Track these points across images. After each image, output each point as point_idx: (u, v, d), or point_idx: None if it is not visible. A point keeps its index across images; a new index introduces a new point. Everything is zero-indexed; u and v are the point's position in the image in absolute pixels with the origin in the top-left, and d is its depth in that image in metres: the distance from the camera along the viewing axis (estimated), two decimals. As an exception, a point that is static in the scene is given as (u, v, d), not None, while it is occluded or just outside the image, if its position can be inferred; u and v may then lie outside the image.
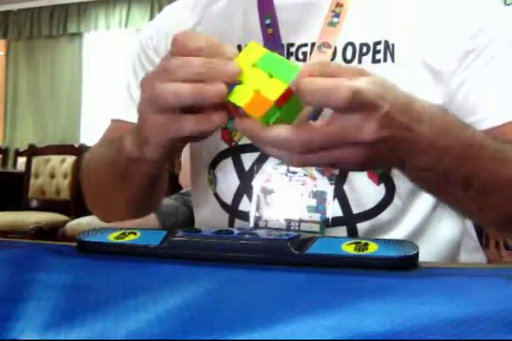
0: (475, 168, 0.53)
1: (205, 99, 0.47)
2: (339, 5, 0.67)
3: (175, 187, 2.00)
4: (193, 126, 0.49)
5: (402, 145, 0.47)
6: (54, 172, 3.66)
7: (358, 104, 0.43)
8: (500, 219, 0.60)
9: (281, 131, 0.45)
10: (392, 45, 0.65)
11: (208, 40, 0.49)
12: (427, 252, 0.65)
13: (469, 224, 0.76)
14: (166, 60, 0.50)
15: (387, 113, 0.44)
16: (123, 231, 0.52)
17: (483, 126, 0.63)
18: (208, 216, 0.74)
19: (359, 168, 0.49)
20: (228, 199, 0.70)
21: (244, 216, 0.67)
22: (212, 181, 0.72)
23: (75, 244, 0.53)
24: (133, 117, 0.75)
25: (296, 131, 0.44)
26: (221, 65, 0.47)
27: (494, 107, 0.64)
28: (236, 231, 0.50)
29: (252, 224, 0.66)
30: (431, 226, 0.69)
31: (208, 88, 0.47)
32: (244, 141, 0.69)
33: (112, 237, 0.51)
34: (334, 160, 0.46)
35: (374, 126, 0.44)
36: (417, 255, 0.44)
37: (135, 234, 0.52)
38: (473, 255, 0.72)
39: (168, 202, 1.86)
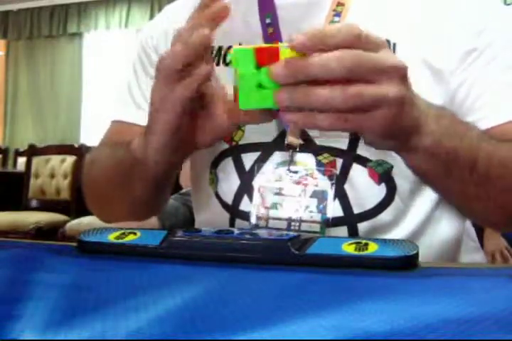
0: (473, 148, 0.54)
1: (191, 45, 0.50)
2: (340, 4, 0.67)
3: (175, 187, 2.00)
4: (185, 85, 0.52)
5: (414, 109, 0.49)
6: (54, 172, 3.66)
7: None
8: (500, 213, 0.60)
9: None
10: (394, 45, 0.65)
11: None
12: (427, 253, 0.65)
13: (469, 225, 0.76)
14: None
15: (406, 74, 0.47)
16: (123, 231, 0.53)
17: (482, 126, 0.63)
18: (209, 216, 0.74)
19: (383, 132, 0.48)
20: (229, 199, 0.70)
21: (245, 216, 0.67)
22: (214, 181, 0.72)
23: (75, 244, 0.53)
24: (134, 118, 0.75)
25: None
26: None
27: (494, 107, 0.64)
28: (236, 231, 0.50)
29: (252, 224, 0.66)
30: (431, 227, 0.69)
31: (193, 34, 0.50)
32: (245, 140, 0.69)
33: (112, 237, 0.51)
34: (361, 125, 0.46)
35: (398, 83, 0.46)
36: (417, 255, 0.44)
37: (135, 234, 0.52)
38: (473, 255, 0.72)
39: (168, 202, 1.85)
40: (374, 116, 0.46)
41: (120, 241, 0.51)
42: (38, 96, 5.96)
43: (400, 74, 0.47)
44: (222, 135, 0.60)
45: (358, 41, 0.44)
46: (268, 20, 0.69)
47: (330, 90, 0.44)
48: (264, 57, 0.45)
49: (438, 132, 0.51)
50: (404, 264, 0.43)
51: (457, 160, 0.54)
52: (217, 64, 0.71)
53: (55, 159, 3.68)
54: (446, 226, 0.70)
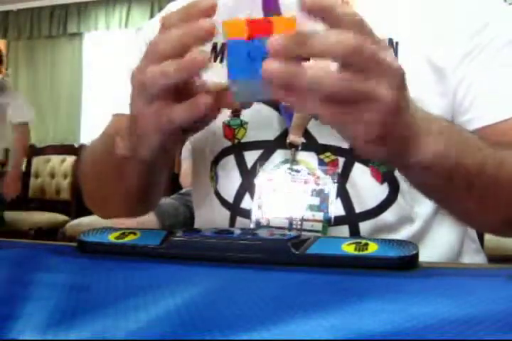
0: (474, 164, 0.53)
1: (189, 70, 0.47)
2: (344, 3, 0.67)
3: (175, 187, 2.01)
4: (181, 114, 0.49)
5: (410, 119, 0.46)
6: (54, 172, 3.66)
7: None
8: (500, 222, 0.60)
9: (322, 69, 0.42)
10: (396, 43, 0.65)
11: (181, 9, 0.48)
12: (430, 254, 0.64)
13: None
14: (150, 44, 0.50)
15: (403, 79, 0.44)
16: (123, 231, 0.53)
17: (478, 124, 0.63)
18: (208, 213, 0.74)
19: (374, 135, 0.45)
20: (230, 197, 0.70)
21: (246, 214, 0.67)
22: (214, 178, 0.72)
23: (74, 244, 0.53)
24: None
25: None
26: (195, 24, 0.46)
27: (491, 105, 0.64)
28: (236, 231, 0.50)
29: (253, 222, 0.66)
30: (434, 228, 0.68)
31: (188, 58, 0.46)
32: (247, 138, 0.69)
33: (112, 237, 0.51)
34: (353, 122, 0.44)
35: (396, 86, 0.43)
36: (417, 255, 0.44)
37: (135, 234, 0.52)
38: (474, 257, 0.72)
39: (168, 202, 1.86)
40: (365, 116, 0.43)
41: (120, 241, 0.51)
42: (38, 97, 5.96)
43: (398, 77, 0.44)
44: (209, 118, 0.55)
45: (362, 31, 0.43)
46: None
47: (320, 69, 0.42)
48: (257, 29, 0.44)
49: (438, 151, 0.49)
50: (404, 264, 0.43)
51: (452, 179, 0.52)
52: (215, 60, 0.71)
53: (55, 159, 3.68)
54: (449, 228, 0.70)
